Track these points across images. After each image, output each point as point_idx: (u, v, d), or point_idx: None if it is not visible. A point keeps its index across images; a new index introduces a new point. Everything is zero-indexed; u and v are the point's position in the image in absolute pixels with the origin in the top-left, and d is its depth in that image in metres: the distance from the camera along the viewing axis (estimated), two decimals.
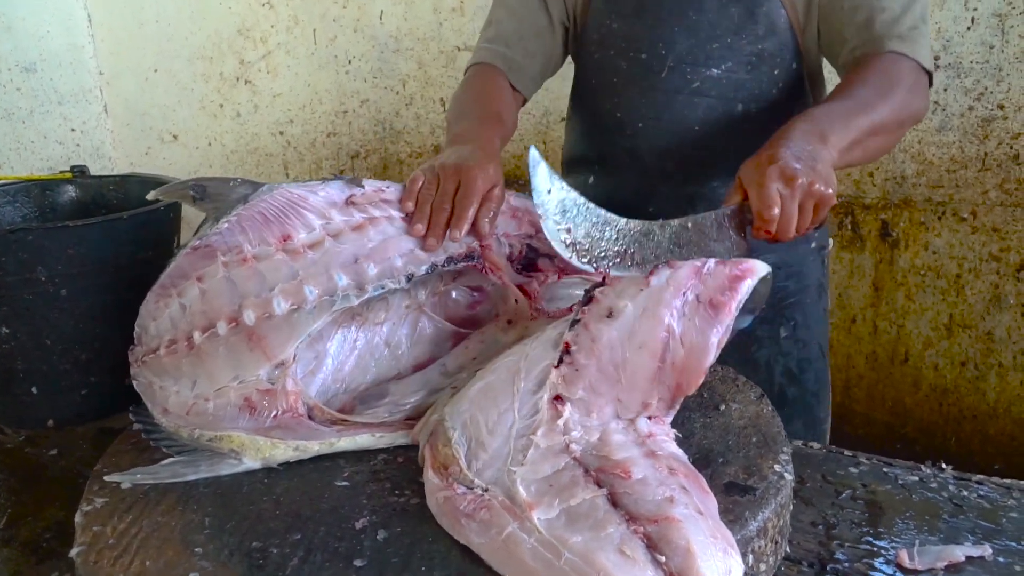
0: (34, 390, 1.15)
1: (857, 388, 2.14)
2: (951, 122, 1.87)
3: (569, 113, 1.50)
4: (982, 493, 0.93)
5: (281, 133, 2.55)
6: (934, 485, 0.95)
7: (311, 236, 0.97)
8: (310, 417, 0.95)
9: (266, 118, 2.54)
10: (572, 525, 0.73)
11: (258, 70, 2.50)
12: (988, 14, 1.77)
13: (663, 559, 0.67)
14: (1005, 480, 0.95)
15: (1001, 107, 1.82)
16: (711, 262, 0.85)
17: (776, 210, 0.96)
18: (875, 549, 0.85)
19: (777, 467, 0.85)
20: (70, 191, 1.34)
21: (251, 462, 0.89)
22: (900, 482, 0.96)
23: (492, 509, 0.77)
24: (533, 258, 1.05)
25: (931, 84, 1.20)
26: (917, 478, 0.96)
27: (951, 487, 0.94)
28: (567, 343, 0.86)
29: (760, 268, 0.86)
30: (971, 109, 1.85)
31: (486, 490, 0.79)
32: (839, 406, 2.17)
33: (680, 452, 0.84)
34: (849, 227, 2.04)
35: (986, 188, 1.88)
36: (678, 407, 0.87)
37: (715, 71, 1.26)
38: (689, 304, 0.84)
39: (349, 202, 1.01)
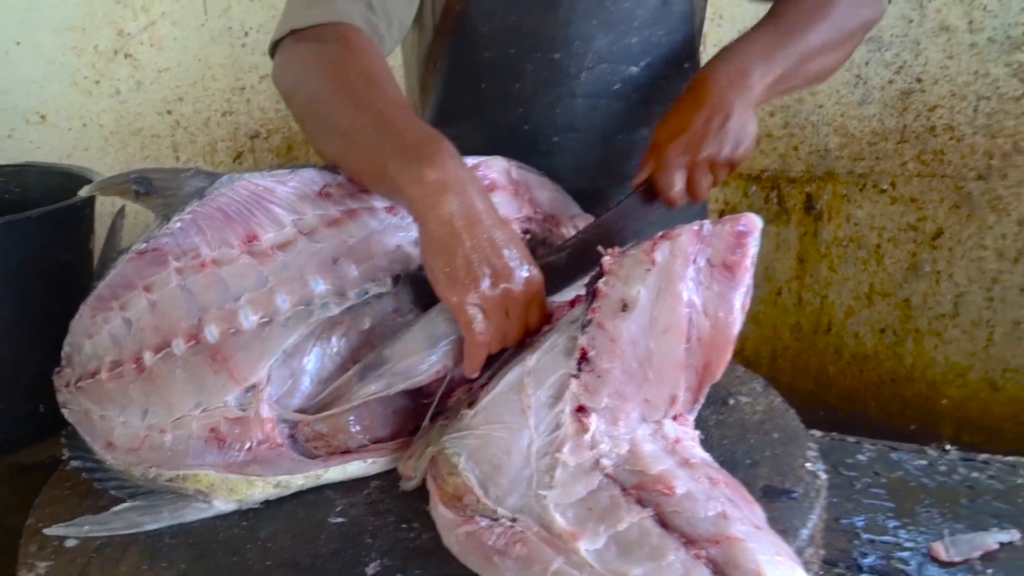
0: None
1: (783, 359, 2.17)
2: (872, 95, 1.89)
3: (434, 120, 1.20)
4: (992, 473, 0.92)
5: (169, 112, 2.32)
6: (943, 468, 0.93)
7: (281, 235, 0.84)
8: (292, 439, 0.83)
9: (151, 96, 2.30)
10: (627, 555, 0.65)
11: (140, 43, 2.26)
12: None
13: None
14: (1009, 458, 0.94)
15: (919, 80, 1.85)
16: (707, 224, 0.79)
17: (677, 190, 0.95)
18: (905, 542, 0.82)
19: (809, 465, 0.81)
20: None
21: (223, 504, 0.76)
22: (910, 467, 0.93)
23: (528, 542, 0.68)
24: (532, 246, 0.95)
25: None
26: (926, 462, 0.94)
27: (961, 469, 0.93)
28: (584, 349, 0.77)
29: (757, 221, 0.80)
30: (891, 82, 1.87)
31: (514, 520, 0.70)
32: (766, 378, 2.18)
33: (710, 457, 0.78)
34: (775, 201, 2.04)
35: (905, 159, 1.91)
36: (703, 400, 0.80)
37: (634, 69, 1.12)
38: (703, 271, 0.77)
39: (323, 193, 0.88)
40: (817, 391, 2.16)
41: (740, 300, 0.76)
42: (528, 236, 0.96)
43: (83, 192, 0.85)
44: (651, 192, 0.98)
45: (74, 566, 0.71)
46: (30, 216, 0.94)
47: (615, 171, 1.17)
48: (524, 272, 0.79)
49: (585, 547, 0.66)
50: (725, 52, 1.00)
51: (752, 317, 2.15)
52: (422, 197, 0.77)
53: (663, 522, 0.67)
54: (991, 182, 1.86)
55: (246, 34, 2.24)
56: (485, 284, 0.77)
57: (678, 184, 0.95)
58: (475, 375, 0.81)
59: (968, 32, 1.79)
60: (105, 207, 1.21)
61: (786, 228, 2.05)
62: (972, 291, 1.95)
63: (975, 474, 0.92)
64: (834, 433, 1.00)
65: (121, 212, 1.18)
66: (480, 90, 1.14)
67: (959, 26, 1.79)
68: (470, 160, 0.95)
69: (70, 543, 0.73)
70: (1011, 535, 0.82)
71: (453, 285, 0.77)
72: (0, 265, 0.93)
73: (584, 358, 0.76)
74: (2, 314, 0.96)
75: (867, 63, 1.87)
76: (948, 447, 0.96)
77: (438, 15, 1.12)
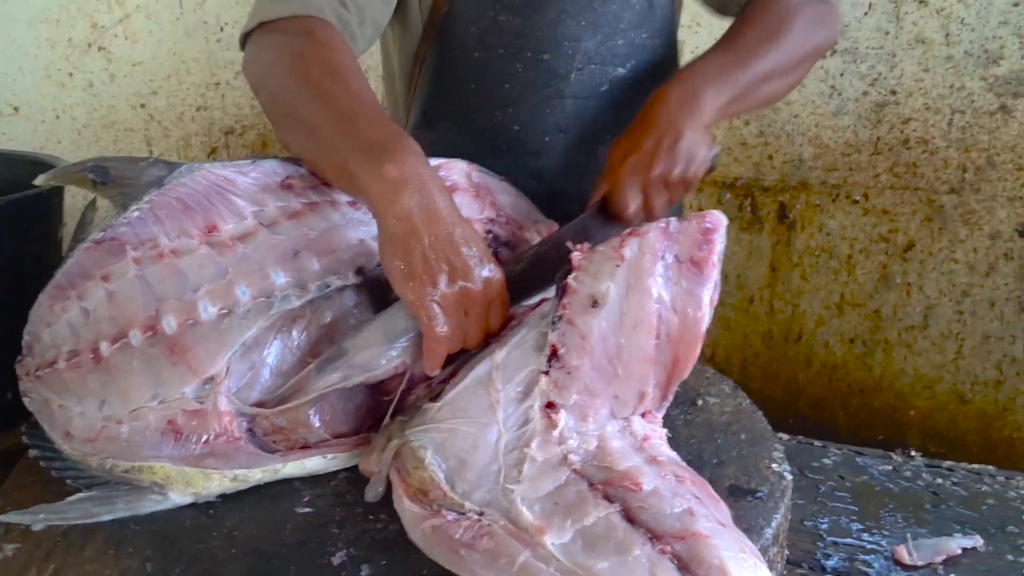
0: None
1: (753, 367, 2.18)
2: (847, 107, 1.91)
3: (420, 121, 1.21)
4: (956, 480, 0.93)
5: (143, 106, 2.30)
6: (908, 473, 0.94)
7: (241, 226, 0.83)
8: (250, 432, 0.82)
9: (124, 89, 2.28)
10: (592, 549, 0.65)
11: (114, 35, 2.24)
12: (884, 0, 1.82)
13: None
14: (974, 466, 0.96)
15: (893, 92, 1.87)
16: (673, 221, 0.79)
17: (632, 209, 0.95)
18: (869, 545, 0.83)
19: (775, 466, 0.81)
20: None
21: (179, 497, 0.75)
22: (875, 472, 0.94)
23: (495, 536, 0.68)
24: (494, 247, 0.95)
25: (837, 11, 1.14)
26: (891, 467, 0.95)
27: (925, 475, 0.94)
28: (554, 345, 0.77)
29: (722, 218, 0.80)
30: (865, 94, 1.89)
31: (481, 514, 0.70)
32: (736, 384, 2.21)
33: (677, 456, 0.78)
34: (749, 209, 2.06)
35: (878, 171, 1.94)
36: (671, 398, 0.80)
37: (621, 71, 1.14)
38: (671, 267, 0.78)
39: (285, 185, 0.88)
40: (787, 399, 2.18)
41: (708, 295, 0.77)
42: (490, 237, 0.96)
43: (38, 181, 0.83)
44: (606, 211, 0.98)
45: (40, 550, 0.70)
46: None
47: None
48: (484, 271, 0.78)
49: (551, 541, 0.66)
50: (678, 74, 1.01)
51: (723, 324, 2.17)
52: (381, 193, 0.76)
53: (629, 517, 0.67)
54: (964, 196, 1.89)
55: (221, 29, 2.23)
56: (443, 281, 0.76)
57: (633, 203, 0.95)
58: (435, 373, 0.80)
59: (944, 45, 1.81)
60: (77, 199, 1.19)
61: (759, 236, 2.07)
62: (942, 304, 1.97)
63: (939, 480, 0.93)
64: (801, 436, 1.01)
65: (92, 204, 1.17)
66: (469, 91, 1.14)
67: (935, 39, 1.82)
68: (432, 162, 0.95)
69: (37, 527, 0.72)
70: (974, 541, 0.83)
71: (410, 281, 0.76)
72: None
73: (554, 355, 0.77)
74: None
75: (842, 74, 1.89)
76: (914, 453, 0.98)
77: (425, 15, 1.12)
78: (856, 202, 1.98)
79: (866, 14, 1.83)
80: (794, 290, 2.09)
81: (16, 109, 2.32)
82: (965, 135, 1.84)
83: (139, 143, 2.36)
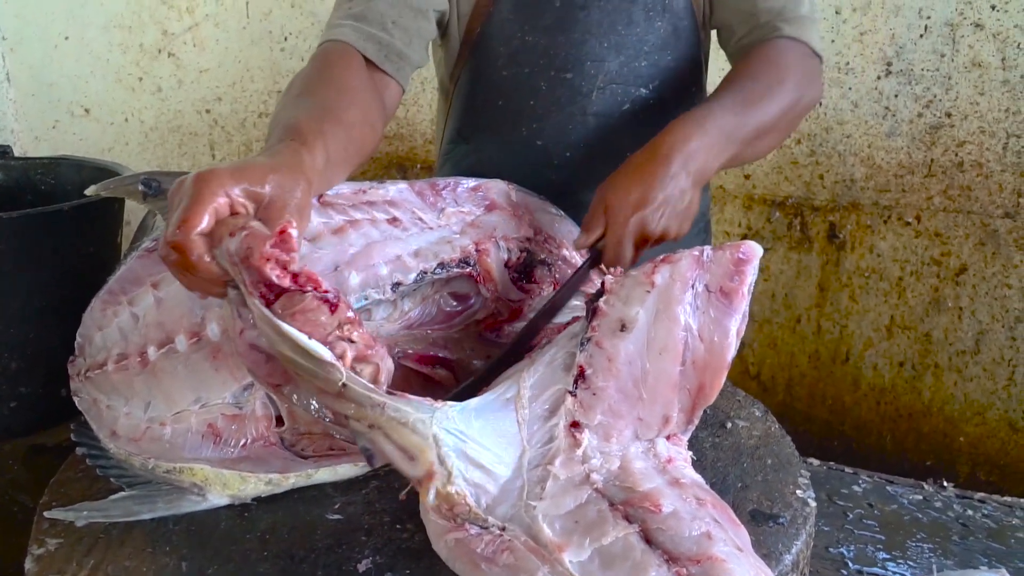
0: None
1: (799, 386, 2.16)
2: (900, 128, 1.89)
3: (454, 135, 1.26)
4: (987, 512, 0.92)
5: (208, 111, 2.38)
6: (939, 504, 0.93)
7: None
8: (282, 440, 0.85)
9: (191, 94, 2.36)
10: (608, 568, 0.67)
11: (183, 42, 2.32)
12: (940, 23, 1.79)
13: None
14: (1007, 498, 0.94)
15: (948, 115, 1.84)
16: (707, 249, 0.81)
17: (625, 268, 0.94)
18: (892, 574, 0.83)
19: (799, 492, 0.82)
20: None
21: (217, 498, 0.79)
22: (905, 501, 0.94)
23: (515, 551, 0.70)
24: (531, 264, 0.98)
25: (821, 67, 1.14)
26: (921, 497, 0.95)
27: (956, 506, 0.93)
28: (581, 366, 0.79)
29: (757, 249, 0.81)
30: (920, 116, 1.87)
31: (503, 529, 0.72)
32: (781, 404, 2.19)
33: (700, 478, 0.79)
34: (798, 228, 2.04)
35: (931, 194, 1.91)
36: (697, 422, 0.81)
37: (643, 91, 1.17)
38: (700, 296, 0.79)
39: (325, 203, 0.91)
40: (832, 421, 2.15)
41: (736, 326, 0.78)
42: (526, 255, 0.98)
43: (90, 191, 0.88)
44: (599, 261, 0.97)
45: (82, 544, 0.74)
46: (62, 209, 0.98)
47: None
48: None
49: (570, 558, 0.67)
50: (692, 123, 0.98)
51: (770, 343, 2.16)
52: None
53: (648, 539, 0.69)
54: (1018, 220, 1.85)
55: (285, 39, 2.29)
56: None
57: (627, 262, 0.95)
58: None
59: (1001, 69, 1.78)
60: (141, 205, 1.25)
61: (808, 256, 2.05)
62: (995, 329, 1.93)
63: (969, 512, 0.92)
64: (832, 462, 1.01)
65: (153, 211, 1.22)
66: (497, 107, 1.19)
67: (992, 63, 1.78)
68: (471, 181, 0.99)
69: (80, 523, 0.76)
70: (999, 574, 0.82)
71: None
72: (30, 254, 0.97)
73: (581, 375, 0.78)
74: (29, 301, 1.00)
75: (896, 95, 1.87)
76: (946, 484, 0.97)
77: (461, 36, 1.19)
78: (908, 224, 1.95)
79: (922, 36, 1.81)
80: (843, 311, 2.07)
81: (87, 111, 2.41)
82: (1021, 159, 1.80)
83: (203, 147, 2.44)
